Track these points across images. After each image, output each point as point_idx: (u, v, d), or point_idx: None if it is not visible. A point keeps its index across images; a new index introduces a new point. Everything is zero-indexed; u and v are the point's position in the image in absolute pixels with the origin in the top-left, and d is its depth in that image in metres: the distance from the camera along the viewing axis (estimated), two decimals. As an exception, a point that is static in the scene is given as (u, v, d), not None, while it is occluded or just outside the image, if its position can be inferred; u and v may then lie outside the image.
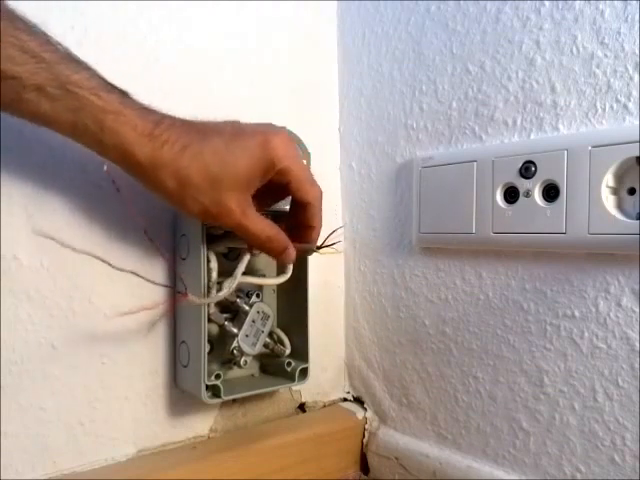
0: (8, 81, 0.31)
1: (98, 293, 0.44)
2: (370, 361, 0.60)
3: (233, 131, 0.38)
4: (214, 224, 0.40)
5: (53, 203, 0.42)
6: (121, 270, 0.37)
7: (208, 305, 0.44)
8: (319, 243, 0.43)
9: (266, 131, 0.38)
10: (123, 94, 0.35)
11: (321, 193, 0.42)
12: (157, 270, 0.47)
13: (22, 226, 0.41)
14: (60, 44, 0.33)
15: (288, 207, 0.44)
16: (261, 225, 0.39)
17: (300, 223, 0.42)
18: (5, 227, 0.40)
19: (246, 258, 0.43)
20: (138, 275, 0.38)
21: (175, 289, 0.46)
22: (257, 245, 0.41)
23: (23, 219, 0.41)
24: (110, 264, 0.37)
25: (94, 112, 0.33)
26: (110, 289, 0.45)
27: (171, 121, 0.36)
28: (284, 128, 0.40)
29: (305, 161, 0.49)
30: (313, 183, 0.41)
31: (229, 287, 0.42)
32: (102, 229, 0.44)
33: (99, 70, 0.43)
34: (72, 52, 0.34)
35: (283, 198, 0.44)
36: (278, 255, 0.41)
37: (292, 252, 0.42)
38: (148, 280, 0.38)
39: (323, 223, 0.43)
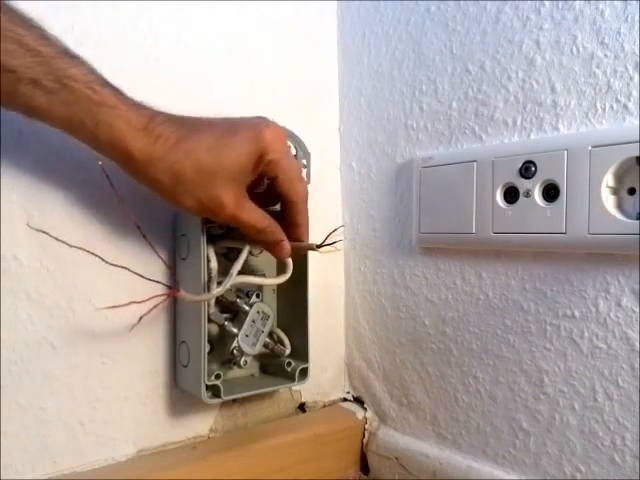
0: (5, 74, 0.31)
1: (98, 293, 0.44)
2: (370, 361, 0.60)
3: (226, 126, 0.38)
4: (210, 218, 0.41)
5: (53, 203, 0.42)
6: (114, 265, 0.38)
7: (208, 305, 0.44)
8: (319, 242, 0.43)
9: (258, 124, 0.38)
10: (117, 90, 0.35)
11: (307, 191, 0.42)
12: (155, 269, 0.47)
13: (22, 226, 0.41)
14: (57, 38, 0.33)
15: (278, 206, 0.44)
16: (256, 216, 0.40)
17: (287, 222, 0.42)
18: (5, 227, 0.40)
19: (243, 257, 0.43)
20: (130, 270, 0.38)
21: (171, 285, 0.46)
22: (253, 236, 0.41)
23: (23, 219, 0.41)
24: (103, 259, 0.37)
25: (89, 106, 0.33)
26: (110, 289, 0.44)
27: (165, 116, 0.37)
28: (275, 122, 0.40)
29: (305, 161, 0.49)
30: (300, 180, 0.42)
31: (224, 285, 0.42)
32: (101, 227, 0.44)
33: (100, 69, 0.43)
34: (68, 47, 0.34)
35: (276, 204, 0.44)
36: (273, 246, 0.42)
37: (287, 245, 0.42)
38: (140, 275, 0.38)
39: (324, 223, 0.43)
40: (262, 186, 0.44)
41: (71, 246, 0.38)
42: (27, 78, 0.31)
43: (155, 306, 0.38)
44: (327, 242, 0.43)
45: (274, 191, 0.42)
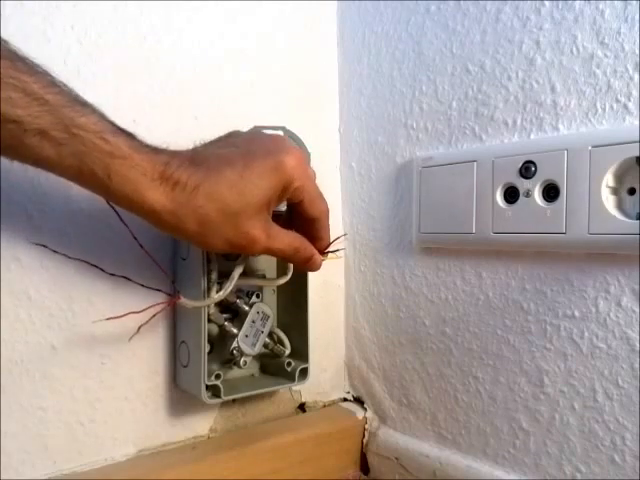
0: (8, 125, 0.29)
1: (98, 293, 0.44)
2: (370, 361, 0.60)
3: (245, 159, 0.36)
4: (241, 252, 0.41)
5: (53, 204, 0.42)
6: (113, 275, 0.38)
7: (208, 305, 0.44)
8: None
9: (278, 151, 0.37)
10: (130, 136, 0.34)
11: (328, 207, 0.42)
12: (156, 274, 0.46)
13: (22, 226, 0.41)
14: (65, 85, 0.32)
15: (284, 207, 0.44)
16: (287, 240, 0.39)
17: (309, 236, 0.42)
18: (5, 227, 0.40)
19: (244, 261, 0.43)
20: (129, 279, 0.38)
21: (171, 293, 0.45)
22: (285, 259, 0.42)
23: (23, 219, 0.41)
24: (103, 269, 0.38)
25: (101, 157, 0.31)
26: (110, 290, 0.44)
27: (180, 159, 0.35)
28: (292, 145, 0.39)
29: (305, 161, 0.49)
30: (322, 198, 0.41)
31: (225, 290, 0.42)
32: (102, 232, 0.44)
33: (99, 69, 0.43)
34: (78, 94, 0.32)
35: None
36: (304, 264, 0.42)
37: (318, 259, 0.42)
38: (140, 284, 0.39)
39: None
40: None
41: (70, 257, 0.38)
42: (34, 129, 0.29)
43: (154, 315, 0.38)
44: (330, 249, 0.44)
45: (297, 211, 0.41)
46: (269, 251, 0.39)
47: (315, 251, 0.42)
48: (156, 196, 0.33)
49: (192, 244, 0.38)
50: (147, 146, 0.34)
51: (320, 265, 0.43)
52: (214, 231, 0.35)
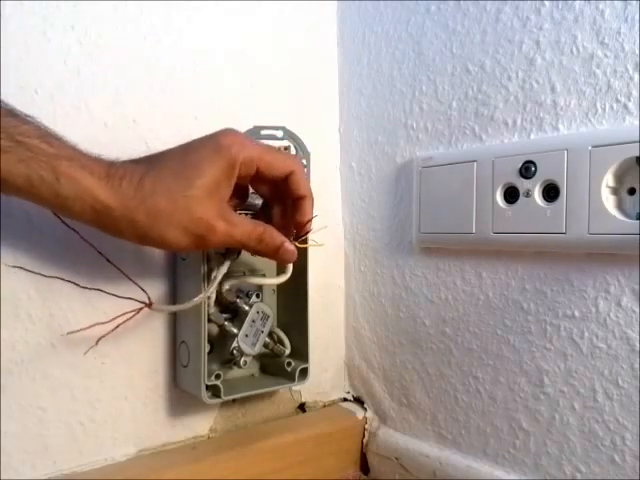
0: None
1: (97, 293, 0.44)
2: (370, 361, 0.60)
3: (183, 149, 0.37)
4: (206, 247, 0.39)
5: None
6: (86, 288, 0.39)
7: (208, 305, 0.44)
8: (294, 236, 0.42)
9: (213, 136, 0.37)
10: (71, 143, 0.34)
11: (299, 161, 0.40)
12: (152, 281, 0.47)
13: (22, 227, 0.41)
14: (2, 101, 0.32)
15: (259, 202, 0.43)
16: (249, 227, 0.38)
17: (290, 196, 0.40)
18: (5, 228, 0.40)
19: (226, 264, 0.43)
20: (103, 291, 0.39)
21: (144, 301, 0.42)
22: (250, 250, 0.40)
23: (23, 220, 0.41)
24: (77, 284, 0.38)
25: (47, 160, 0.31)
26: (109, 289, 0.44)
27: (122, 161, 0.36)
28: (228, 127, 0.39)
29: (305, 161, 0.49)
30: (285, 155, 0.40)
31: (205, 293, 0.42)
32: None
33: (99, 69, 0.43)
34: (15, 108, 0.32)
35: (247, 194, 0.43)
36: (276, 252, 0.40)
37: (289, 247, 0.40)
38: (112, 294, 0.38)
39: (324, 223, 0.43)
40: (253, 205, 0.44)
41: (46, 276, 0.38)
42: None
43: (118, 326, 0.38)
44: (302, 236, 0.42)
45: (265, 182, 0.40)
46: (232, 240, 0.38)
47: (284, 239, 0.40)
48: (106, 194, 0.33)
49: (151, 244, 0.37)
50: (87, 152, 0.34)
51: (294, 254, 0.41)
52: (167, 221, 0.35)
